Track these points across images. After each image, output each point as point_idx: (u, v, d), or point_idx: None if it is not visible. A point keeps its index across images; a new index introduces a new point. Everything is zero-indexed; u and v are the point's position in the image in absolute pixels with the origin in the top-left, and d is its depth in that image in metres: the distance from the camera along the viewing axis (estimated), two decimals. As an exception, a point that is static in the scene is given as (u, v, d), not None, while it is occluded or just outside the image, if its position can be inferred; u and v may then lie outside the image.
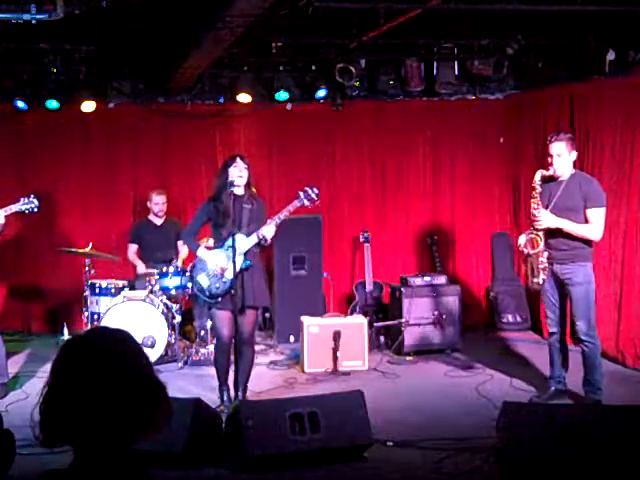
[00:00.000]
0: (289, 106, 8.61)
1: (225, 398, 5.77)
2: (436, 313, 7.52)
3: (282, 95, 8.29)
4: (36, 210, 6.37)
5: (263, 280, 5.85)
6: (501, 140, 8.97)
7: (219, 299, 5.66)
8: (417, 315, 7.50)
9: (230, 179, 5.58)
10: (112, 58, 7.87)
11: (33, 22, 5.28)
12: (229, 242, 5.48)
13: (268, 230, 5.57)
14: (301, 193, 5.73)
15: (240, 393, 5.62)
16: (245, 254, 5.60)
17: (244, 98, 8.25)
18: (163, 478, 4.46)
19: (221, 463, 4.71)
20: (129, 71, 8.30)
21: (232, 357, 5.73)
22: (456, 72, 8.39)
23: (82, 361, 1.66)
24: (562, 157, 5.48)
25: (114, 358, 1.67)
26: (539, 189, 5.48)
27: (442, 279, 7.85)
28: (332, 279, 8.35)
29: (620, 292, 6.99)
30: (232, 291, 5.51)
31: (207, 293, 5.70)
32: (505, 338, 8.21)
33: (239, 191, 5.66)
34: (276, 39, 7.48)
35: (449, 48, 8.04)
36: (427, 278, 7.79)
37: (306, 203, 5.73)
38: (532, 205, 5.50)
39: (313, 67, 8.43)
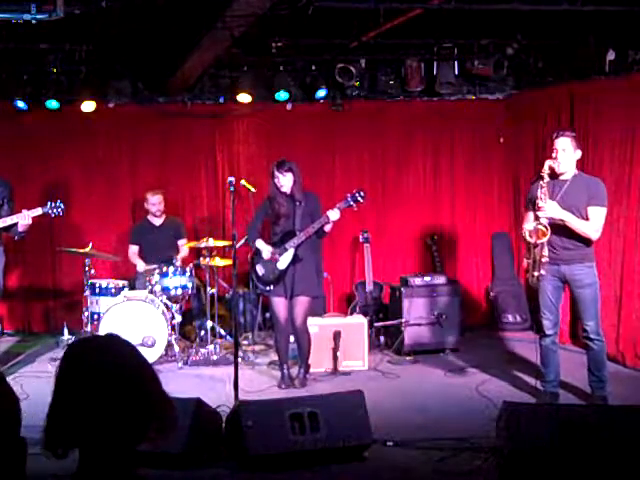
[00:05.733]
0: (289, 106, 8.60)
1: (286, 375, 6.39)
2: (436, 313, 7.51)
3: (282, 95, 8.28)
4: (62, 214, 6.74)
5: (314, 271, 6.34)
6: (501, 140, 8.96)
7: (271, 286, 6.32)
8: (417, 315, 7.50)
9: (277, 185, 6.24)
10: (112, 58, 7.87)
11: (33, 22, 5.28)
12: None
13: (332, 213, 6.08)
14: (348, 195, 6.20)
15: (302, 370, 6.43)
16: (296, 249, 6.19)
17: (244, 98, 8.24)
18: (163, 478, 4.47)
19: (221, 463, 4.71)
20: (129, 71, 8.29)
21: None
22: (456, 72, 8.38)
23: (81, 366, 1.65)
24: (567, 152, 5.48)
25: (114, 362, 1.66)
26: (547, 179, 5.43)
27: (442, 279, 7.85)
28: (332, 279, 8.35)
29: (620, 292, 6.98)
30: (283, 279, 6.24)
31: (262, 280, 6.37)
32: (505, 338, 8.21)
33: (289, 191, 6.23)
34: (276, 39, 7.48)
35: (449, 48, 8.04)
36: (427, 278, 7.78)
37: (352, 204, 6.18)
38: (539, 195, 5.43)
39: (313, 67, 8.42)
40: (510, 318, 8.56)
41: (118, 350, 1.72)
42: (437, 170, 9.05)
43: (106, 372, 1.64)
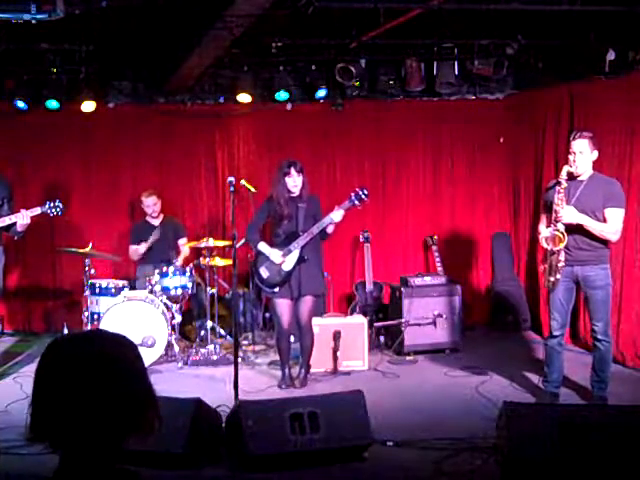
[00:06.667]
0: (289, 106, 8.61)
1: (286, 375, 6.39)
2: (436, 313, 7.51)
3: (282, 95, 8.29)
4: (61, 214, 6.68)
5: (318, 270, 6.31)
6: (501, 140, 8.97)
7: (277, 289, 6.25)
8: (417, 315, 7.50)
9: (286, 187, 6.17)
10: (112, 58, 7.87)
11: (33, 22, 5.28)
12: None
13: (336, 214, 6.08)
14: (352, 194, 6.15)
15: (303, 370, 6.43)
16: (302, 249, 6.16)
17: (244, 98, 8.25)
18: (163, 478, 4.47)
19: (221, 463, 4.71)
20: (129, 71, 8.30)
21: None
22: (456, 72, 8.38)
23: (61, 362, 1.63)
24: (584, 155, 5.43)
25: (95, 359, 1.63)
26: (564, 184, 5.39)
27: (442, 279, 7.85)
28: (332, 279, 8.34)
29: (620, 292, 6.97)
30: (289, 281, 6.20)
31: (268, 283, 6.30)
32: (505, 338, 8.21)
33: (298, 192, 6.21)
34: (276, 39, 7.48)
35: (449, 48, 8.04)
36: (427, 278, 7.79)
37: (357, 203, 6.15)
38: (556, 200, 5.40)
39: (313, 67, 8.43)
40: (510, 318, 8.55)
41: (100, 345, 1.68)
42: (437, 170, 9.05)
43: (82, 366, 1.60)
